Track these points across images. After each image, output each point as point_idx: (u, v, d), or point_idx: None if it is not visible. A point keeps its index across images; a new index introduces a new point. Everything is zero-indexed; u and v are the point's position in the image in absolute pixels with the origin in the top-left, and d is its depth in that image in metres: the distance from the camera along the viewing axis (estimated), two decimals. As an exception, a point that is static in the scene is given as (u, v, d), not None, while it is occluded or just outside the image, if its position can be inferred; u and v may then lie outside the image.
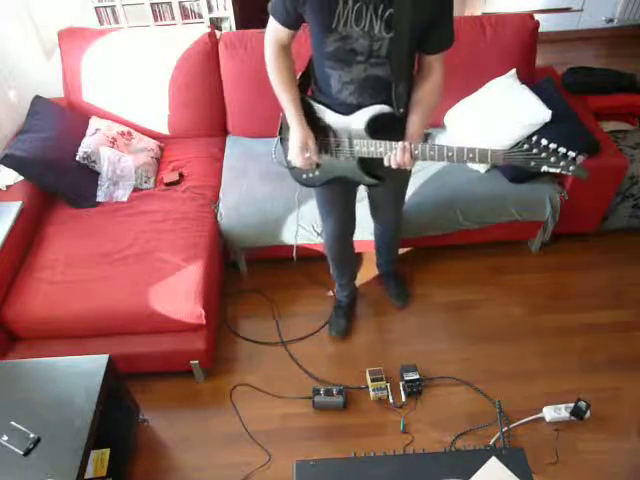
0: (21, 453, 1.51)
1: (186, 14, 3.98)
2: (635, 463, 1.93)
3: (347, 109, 1.61)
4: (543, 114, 2.26)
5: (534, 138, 1.41)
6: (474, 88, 2.50)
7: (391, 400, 2.12)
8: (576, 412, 2.00)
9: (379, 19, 1.40)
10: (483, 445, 1.97)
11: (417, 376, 2.13)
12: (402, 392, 2.14)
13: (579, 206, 2.44)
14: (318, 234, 2.38)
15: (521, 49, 2.53)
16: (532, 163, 1.43)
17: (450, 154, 1.52)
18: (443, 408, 2.10)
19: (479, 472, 1.38)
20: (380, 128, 1.61)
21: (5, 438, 1.54)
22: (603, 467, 1.92)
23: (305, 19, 1.50)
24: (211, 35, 2.56)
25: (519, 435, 2.01)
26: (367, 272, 2.59)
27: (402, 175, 1.91)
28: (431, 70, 1.58)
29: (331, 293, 2.52)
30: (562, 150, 1.39)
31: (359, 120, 1.60)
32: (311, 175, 1.81)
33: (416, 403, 2.12)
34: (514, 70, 2.47)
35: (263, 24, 2.58)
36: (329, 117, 1.65)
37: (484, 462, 1.39)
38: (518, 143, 1.43)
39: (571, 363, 2.22)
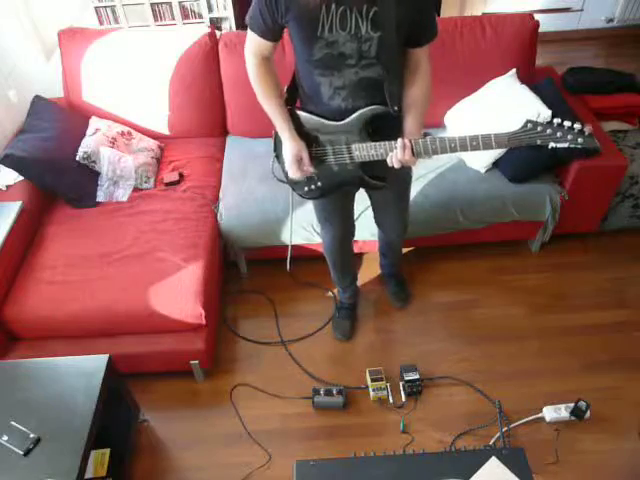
0: (21, 453, 1.51)
1: (186, 14, 3.98)
2: (635, 463, 1.93)
3: (341, 115, 1.58)
4: (543, 114, 2.26)
5: (539, 114, 1.37)
6: (474, 88, 2.51)
7: (391, 400, 2.12)
8: (576, 412, 2.00)
9: (365, 19, 1.39)
10: (483, 445, 1.97)
11: (417, 376, 2.13)
12: (402, 392, 2.14)
13: (579, 206, 2.44)
14: (318, 233, 2.39)
15: (521, 49, 2.53)
16: (538, 141, 1.40)
17: (453, 145, 1.50)
18: (443, 408, 2.10)
19: (479, 472, 1.38)
20: (378, 130, 1.60)
21: (5, 438, 1.54)
22: (603, 467, 1.92)
23: (288, 30, 1.48)
24: (211, 35, 2.56)
25: (519, 435, 2.01)
26: (367, 272, 2.59)
27: (403, 178, 1.91)
28: (419, 65, 1.57)
29: (331, 294, 2.52)
30: (567, 124, 1.35)
31: (355, 124, 1.58)
32: (313, 187, 1.77)
33: (416, 403, 2.12)
34: (514, 70, 2.47)
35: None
36: (322, 126, 1.62)
37: (484, 462, 1.39)
38: (525, 122, 1.41)
39: (571, 363, 2.22)
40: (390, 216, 2.07)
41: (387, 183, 1.74)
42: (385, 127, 1.59)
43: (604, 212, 2.54)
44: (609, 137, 2.47)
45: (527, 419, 2.04)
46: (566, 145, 1.37)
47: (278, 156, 1.80)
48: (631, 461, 1.94)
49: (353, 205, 2.01)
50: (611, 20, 4.18)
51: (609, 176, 2.37)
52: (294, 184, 1.81)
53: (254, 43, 1.57)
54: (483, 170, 2.47)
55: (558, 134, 1.37)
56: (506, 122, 2.30)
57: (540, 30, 2.52)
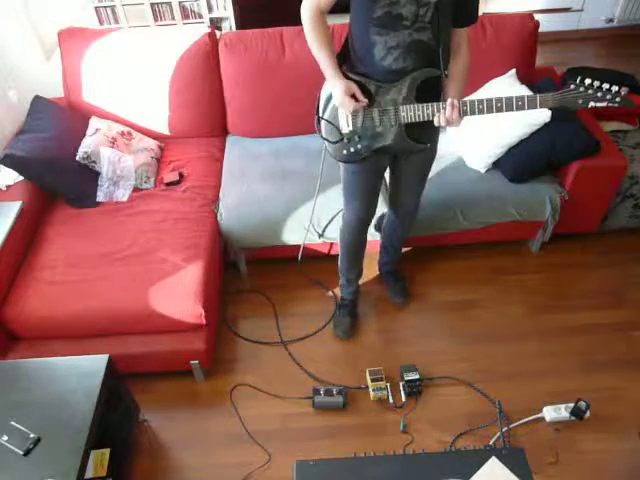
0: (21, 453, 1.51)
1: (186, 14, 3.98)
2: (635, 463, 1.93)
3: (389, 76, 1.66)
4: (543, 114, 2.26)
5: (579, 78, 1.54)
6: (474, 88, 2.50)
7: (391, 400, 2.12)
8: (576, 412, 2.00)
9: None
10: (483, 445, 1.97)
11: (417, 376, 2.13)
12: (402, 392, 2.14)
13: (579, 206, 2.44)
14: (319, 235, 2.39)
15: (521, 49, 2.53)
16: (580, 101, 1.56)
17: (499, 104, 1.62)
18: (443, 408, 2.10)
19: (479, 472, 1.38)
20: (420, 94, 1.69)
21: (5, 438, 1.54)
22: (603, 467, 1.92)
23: None
24: (211, 35, 2.56)
25: (519, 435, 2.01)
26: (367, 272, 2.58)
27: (429, 155, 1.99)
28: (460, 45, 1.71)
29: (331, 293, 2.52)
30: (605, 86, 1.52)
31: (408, 85, 1.66)
32: (352, 150, 1.82)
33: (416, 403, 2.12)
34: (514, 70, 2.47)
35: (263, 24, 2.60)
36: (373, 88, 1.69)
37: (484, 462, 1.39)
38: (567, 83, 1.57)
39: (571, 363, 2.22)
40: (408, 195, 2.11)
41: (428, 146, 1.84)
42: (427, 91, 1.69)
43: (604, 212, 2.54)
44: (609, 137, 2.47)
45: (527, 419, 2.04)
46: (604, 104, 1.54)
47: (319, 119, 1.85)
48: (631, 461, 1.94)
49: (380, 186, 2.05)
50: (611, 20, 4.18)
51: (609, 176, 2.37)
52: (335, 144, 1.84)
53: None
54: (483, 170, 2.47)
55: (598, 94, 1.53)
56: (506, 122, 2.32)
57: (540, 30, 2.52)
